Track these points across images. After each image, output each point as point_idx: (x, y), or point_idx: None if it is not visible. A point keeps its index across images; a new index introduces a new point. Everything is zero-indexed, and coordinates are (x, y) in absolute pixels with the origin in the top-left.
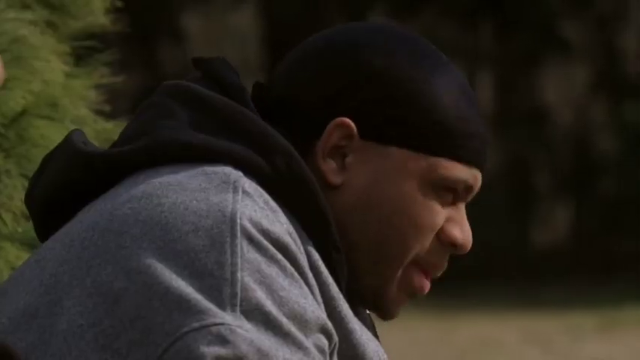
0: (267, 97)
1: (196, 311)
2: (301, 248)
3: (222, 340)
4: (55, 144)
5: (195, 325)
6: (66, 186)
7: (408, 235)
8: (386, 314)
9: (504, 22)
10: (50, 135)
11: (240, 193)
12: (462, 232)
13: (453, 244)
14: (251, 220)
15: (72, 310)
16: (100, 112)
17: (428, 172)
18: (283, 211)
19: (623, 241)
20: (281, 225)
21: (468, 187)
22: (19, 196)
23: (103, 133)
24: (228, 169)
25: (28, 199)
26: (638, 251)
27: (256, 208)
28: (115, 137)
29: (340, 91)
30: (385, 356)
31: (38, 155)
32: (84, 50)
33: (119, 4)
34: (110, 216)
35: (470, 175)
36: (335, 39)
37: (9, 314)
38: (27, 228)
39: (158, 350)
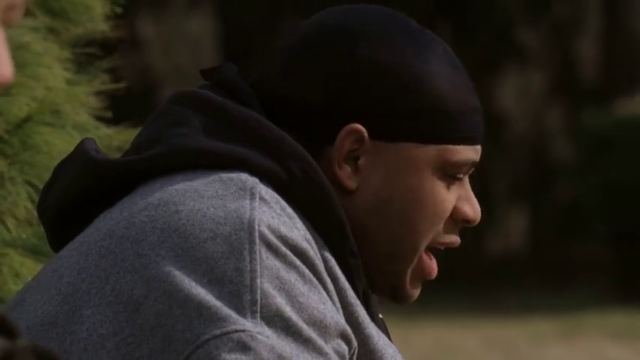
0: (264, 93)
1: (217, 318)
2: (318, 254)
3: (244, 347)
4: (59, 151)
5: (216, 332)
6: (79, 194)
7: (424, 226)
8: (404, 302)
9: (461, 28)
10: (54, 142)
11: (258, 199)
12: (472, 207)
13: (465, 221)
14: (269, 227)
15: (92, 318)
16: (100, 119)
17: (438, 161)
18: (299, 217)
19: (580, 247)
20: (298, 231)
21: (474, 164)
22: (23, 203)
23: (104, 139)
24: (245, 176)
25: (41, 209)
26: (595, 257)
27: (273, 214)
28: (116, 143)
29: (339, 91)
30: None
31: (42, 162)
32: (84, 57)
33: (118, 10)
34: (127, 224)
35: (474, 153)
36: (324, 30)
37: (27, 323)
38: (30, 235)
39: (179, 358)
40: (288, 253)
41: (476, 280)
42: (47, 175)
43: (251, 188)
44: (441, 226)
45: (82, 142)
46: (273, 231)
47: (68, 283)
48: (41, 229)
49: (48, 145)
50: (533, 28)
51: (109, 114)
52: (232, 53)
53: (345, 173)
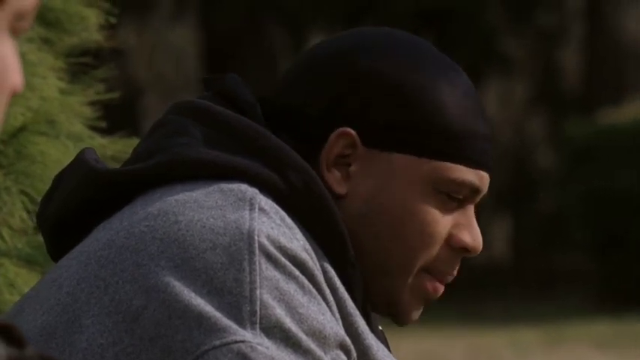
0: (271, 108)
1: (216, 329)
2: (317, 264)
3: (243, 358)
4: (53, 161)
5: (216, 342)
6: (79, 204)
7: (414, 243)
8: (401, 321)
9: (444, 37)
10: (49, 152)
11: (257, 210)
12: (472, 236)
13: (463, 249)
14: (268, 237)
15: (91, 328)
16: (94, 128)
17: (432, 177)
18: (298, 227)
19: (563, 256)
20: (297, 242)
21: (475, 190)
22: (19, 212)
23: (99, 149)
24: (244, 187)
25: (40, 218)
26: (577, 266)
27: (273, 225)
28: (110, 153)
29: (339, 98)
30: None
31: (37, 172)
32: (78, 66)
33: (113, 20)
34: (127, 234)
35: (475, 177)
36: (334, 45)
37: (27, 333)
38: (25, 244)
39: None
40: (288, 263)
41: (459, 289)
42: (42, 185)
43: (250, 199)
44: (435, 250)
45: (82, 152)
46: (273, 241)
47: (67, 293)
48: (36, 238)
49: (43, 155)
50: (516, 38)
51: (103, 124)
52: (215, 63)
53: (333, 177)
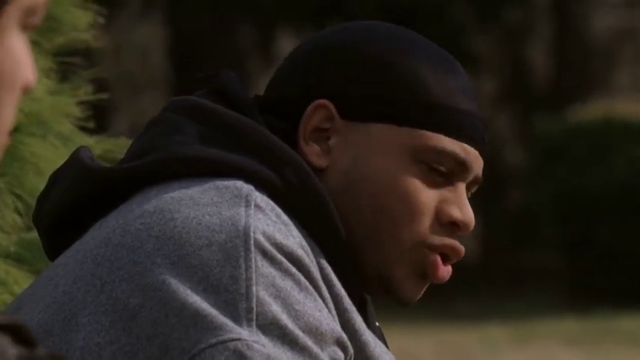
0: (263, 103)
1: (212, 327)
2: (314, 261)
3: (240, 356)
4: (45, 161)
5: (212, 340)
6: (75, 203)
7: (397, 213)
8: (401, 298)
9: None
10: (40, 152)
11: (253, 207)
12: (461, 211)
13: (452, 223)
14: (264, 234)
15: (88, 327)
16: (83, 129)
17: (411, 144)
18: (294, 224)
19: (532, 253)
20: (294, 238)
21: (461, 163)
22: (10, 213)
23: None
24: (240, 183)
25: (36, 217)
26: (546, 264)
27: (269, 221)
28: (98, 152)
29: (316, 76)
30: None
31: (28, 173)
32: (67, 66)
33: (101, 20)
34: (122, 232)
35: (459, 149)
36: (316, 38)
37: None
38: (14, 244)
39: None
40: (284, 260)
41: (428, 286)
42: (33, 186)
43: (246, 196)
44: (422, 222)
45: (77, 151)
46: (269, 238)
47: (64, 291)
48: (25, 238)
49: (34, 156)
50: (484, 35)
51: (91, 124)
52: (181, 61)
53: (312, 150)
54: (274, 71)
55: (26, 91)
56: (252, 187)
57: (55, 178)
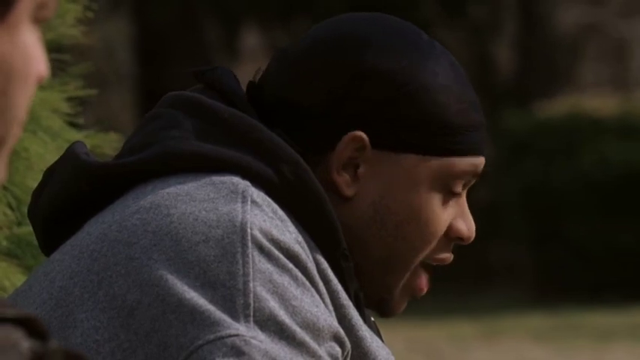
0: (261, 98)
1: (210, 323)
2: (310, 257)
3: (237, 352)
4: (35, 157)
5: (210, 337)
6: (70, 198)
7: (419, 242)
8: (387, 315)
9: None
10: (30, 147)
11: (249, 202)
12: (467, 225)
13: (460, 239)
14: (261, 230)
15: (85, 324)
16: (72, 124)
17: (440, 174)
18: (291, 219)
19: (499, 249)
20: (290, 234)
21: (475, 175)
22: (2, 208)
23: None
24: (236, 179)
25: (32, 212)
26: (513, 259)
27: (265, 217)
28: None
29: (343, 98)
30: None
31: (19, 168)
32: (56, 62)
33: (91, 15)
34: (119, 227)
35: (478, 163)
36: (332, 36)
37: None
38: (3, 239)
39: None
40: (281, 256)
41: None
42: (24, 181)
43: (243, 191)
44: (435, 243)
45: (72, 146)
46: (266, 234)
47: (60, 287)
48: (15, 233)
49: (26, 151)
50: (451, 31)
51: (80, 119)
52: (147, 56)
53: (343, 180)
54: (277, 59)
55: (38, 83)
56: (248, 183)
57: (51, 172)
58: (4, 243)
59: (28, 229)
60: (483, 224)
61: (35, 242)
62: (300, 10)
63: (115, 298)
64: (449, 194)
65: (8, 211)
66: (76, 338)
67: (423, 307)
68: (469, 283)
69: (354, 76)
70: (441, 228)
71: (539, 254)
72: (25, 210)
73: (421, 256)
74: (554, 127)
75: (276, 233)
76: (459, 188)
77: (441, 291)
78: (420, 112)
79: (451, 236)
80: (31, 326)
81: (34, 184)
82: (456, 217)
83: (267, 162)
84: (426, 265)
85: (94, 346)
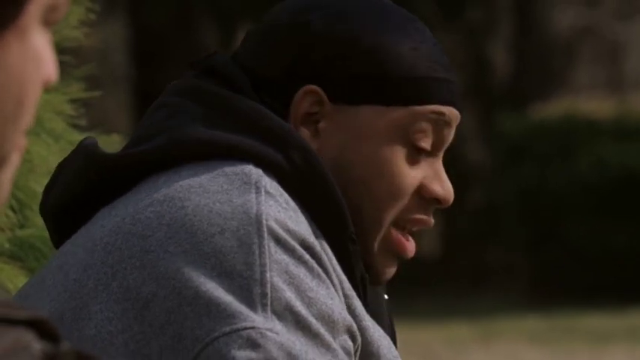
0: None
1: (226, 315)
2: (321, 247)
3: (253, 344)
4: (38, 159)
5: (226, 329)
6: (81, 190)
7: (384, 196)
8: (374, 279)
9: None
10: (33, 150)
11: (263, 193)
12: (442, 186)
13: (435, 199)
14: (277, 221)
15: (99, 315)
16: (75, 126)
17: (402, 124)
18: (300, 209)
19: (494, 251)
20: (304, 224)
21: (447, 123)
22: (4, 210)
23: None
24: (248, 168)
25: (43, 206)
26: (509, 262)
27: (280, 208)
28: None
29: (300, 57)
30: (397, 353)
31: (23, 170)
32: (59, 64)
33: (93, 17)
34: (132, 220)
35: (444, 111)
36: (287, 6)
37: None
38: (7, 241)
39: (189, 356)
40: (297, 247)
41: (390, 284)
42: (26, 183)
43: (256, 182)
44: (405, 202)
45: (82, 141)
46: (281, 225)
47: (74, 280)
48: (19, 234)
49: (29, 153)
50: (446, 33)
51: (83, 121)
52: (143, 58)
53: (302, 134)
54: (239, 47)
55: (47, 87)
56: (260, 172)
57: (62, 167)
58: (7, 245)
59: (30, 231)
60: (480, 227)
61: (38, 244)
62: None
63: (130, 290)
64: (415, 149)
65: (11, 214)
66: (90, 330)
67: (419, 309)
68: (466, 285)
69: (307, 35)
70: (408, 183)
71: (535, 256)
72: (28, 212)
73: (390, 213)
74: (550, 129)
75: (291, 224)
76: (425, 143)
77: (438, 293)
78: (374, 66)
79: (425, 196)
80: (42, 328)
81: (37, 187)
82: (429, 177)
83: (277, 148)
84: (401, 226)
85: (108, 337)
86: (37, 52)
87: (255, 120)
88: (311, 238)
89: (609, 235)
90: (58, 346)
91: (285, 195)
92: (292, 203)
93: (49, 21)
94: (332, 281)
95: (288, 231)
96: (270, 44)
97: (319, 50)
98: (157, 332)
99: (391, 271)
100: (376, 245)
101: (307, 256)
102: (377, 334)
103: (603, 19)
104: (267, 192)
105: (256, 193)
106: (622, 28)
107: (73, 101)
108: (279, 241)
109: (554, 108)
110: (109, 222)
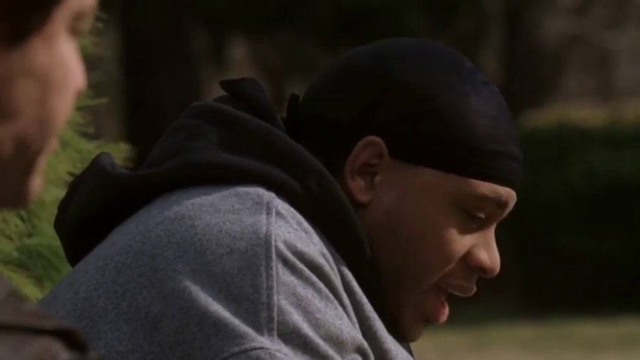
0: (297, 113)
1: (234, 336)
2: (335, 269)
3: None
4: (47, 167)
5: (235, 349)
6: (96, 209)
7: (431, 259)
8: (404, 338)
9: (366, 40)
10: None
11: (274, 214)
12: (490, 256)
13: (480, 268)
14: (285, 242)
15: (109, 335)
16: (83, 134)
17: (458, 193)
18: (315, 231)
19: None
20: (314, 246)
21: (501, 205)
22: (13, 220)
23: (86, 153)
24: (261, 190)
25: (58, 223)
26: (501, 269)
27: (290, 229)
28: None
29: (369, 107)
30: None
31: None
32: None
33: (101, 25)
34: (143, 238)
35: (502, 193)
36: (366, 52)
37: None
38: (15, 250)
39: None
40: (305, 269)
41: None
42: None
43: (267, 203)
44: (450, 267)
45: (97, 157)
46: (290, 246)
47: (85, 298)
48: (27, 243)
49: None
50: (437, 40)
51: (91, 129)
52: (133, 65)
53: (357, 185)
54: (318, 76)
55: (76, 95)
56: (272, 194)
57: (77, 184)
58: (15, 254)
59: (38, 240)
60: None
61: (46, 253)
62: (287, 21)
63: (139, 309)
64: (469, 218)
65: (19, 222)
66: (99, 349)
67: None
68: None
69: (380, 86)
70: (457, 250)
71: (527, 264)
72: (36, 221)
73: (434, 277)
74: (542, 137)
75: (300, 245)
76: (480, 213)
77: None
78: (444, 129)
79: (471, 264)
80: (70, 338)
81: (46, 195)
82: (478, 245)
83: (292, 173)
84: (441, 290)
85: (118, 358)
86: (64, 59)
87: (271, 144)
88: (320, 260)
89: (601, 243)
90: (86, 355)
91: (299, 216)
92: (306, 224)
93: (75, 29)
94: (342, 302)
95: (297, 252)
96: (342, 89)
97: (392, 102)
98: (167, 352)
99: (418, 332)
100: (409, 304)
101: (315, 278)
102: (399, 356)
103: (593, 27)
104: (277, 213)
105: (267, 213)
106: (611, 36)
107: (79, 109)
108: (286, 262)
109: (545, 116)
110: (120, 240)
